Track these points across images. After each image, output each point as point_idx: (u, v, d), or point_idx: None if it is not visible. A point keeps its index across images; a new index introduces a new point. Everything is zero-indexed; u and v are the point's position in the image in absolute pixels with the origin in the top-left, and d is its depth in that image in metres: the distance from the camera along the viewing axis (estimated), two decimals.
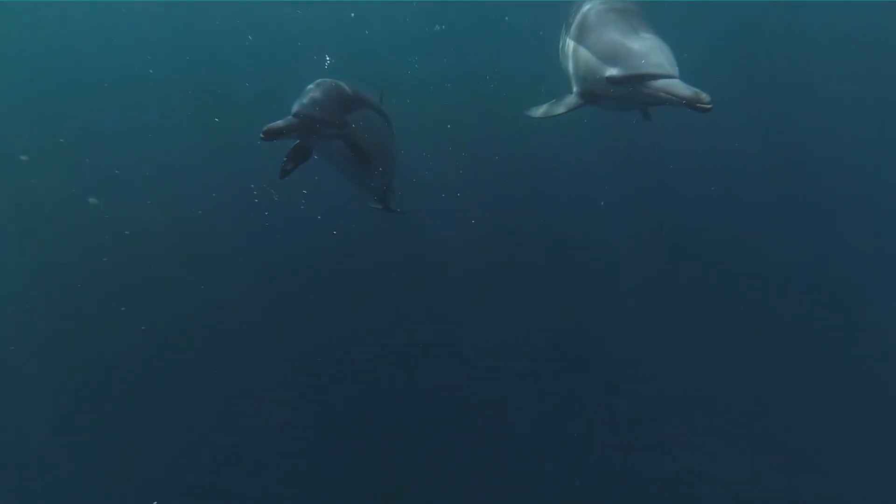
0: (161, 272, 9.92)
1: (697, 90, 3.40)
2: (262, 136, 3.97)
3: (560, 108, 4.48)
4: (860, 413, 7.86)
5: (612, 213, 10.27)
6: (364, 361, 8.86)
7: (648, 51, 3.73)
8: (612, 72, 3.88)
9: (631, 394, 8.20)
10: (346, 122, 4.61)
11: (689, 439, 7.54)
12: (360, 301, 9.58)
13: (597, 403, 8.19)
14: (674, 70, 3.61)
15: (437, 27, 13.11)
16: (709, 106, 3.32)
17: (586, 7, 4.58)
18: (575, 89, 4.53)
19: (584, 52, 4.30)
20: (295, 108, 4.28)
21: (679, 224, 10.59)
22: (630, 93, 3.88)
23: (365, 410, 8.34)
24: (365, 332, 9.09)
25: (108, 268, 10.07)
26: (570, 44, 4.57)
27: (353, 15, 13.33)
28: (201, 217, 10.61)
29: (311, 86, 4.51)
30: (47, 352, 8.98)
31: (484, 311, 9.30)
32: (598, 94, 4.28)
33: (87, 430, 8.26)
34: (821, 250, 10.03)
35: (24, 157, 10.74)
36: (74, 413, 8.46)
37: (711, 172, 11.02)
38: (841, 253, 9.92)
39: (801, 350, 8.64)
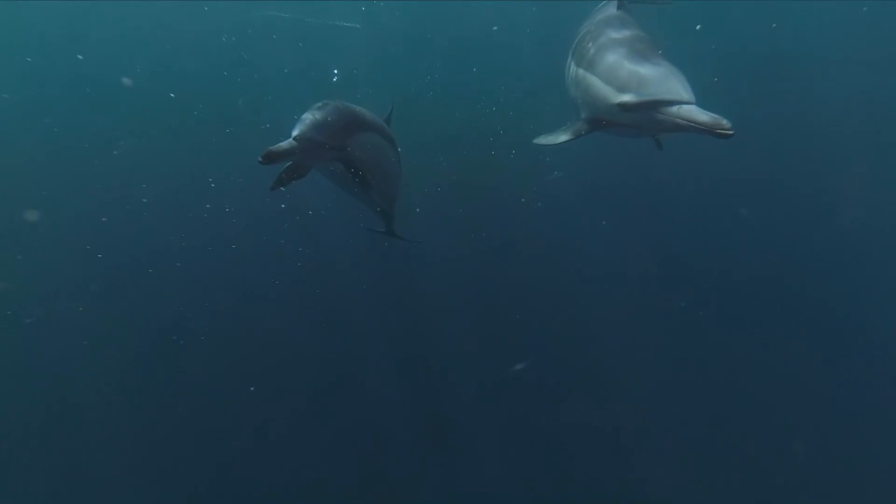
0: (165, 281, 9.87)
1: (717, 116, 3.33)
2: (260, 159, 3.84)
3: (568, 135, 4.40)
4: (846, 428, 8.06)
5: (614, 235, 10.21)
6: (367, 375, 8.85)
7: (662, 76, 3.66)
8: (623, 98, 3.81)
9: (624, 410, 8.32)
10: (347, 145, 4.50)
11: (675, 453, 7.70)
12: (362, 314, 9.52)
13: (591, 418, 8.29)
14: (690, 96, 3.52)
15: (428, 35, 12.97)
16: (730, 132, 3.23)
17: (593, 34, 4.52)
18: (583, 116, 4.44)
19: (592, 80, 4.22)
20: (296, 130, 4.15)
21: (674, 243, 10.56)
22: (643, 119, 3.78)
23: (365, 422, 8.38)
24: (370, 345, 9.11)
25: (111, 277, 9.99)
26: (578, 71, 4.49)
27: (358, 26, 13.18)
28: (203, 225, 10.52)
29: (312, 108, 4.39)
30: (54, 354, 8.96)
31: (483, 328, 9.29)
32: (608, 121, 4.19)
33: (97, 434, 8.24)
34: (825, 276, 9.97)
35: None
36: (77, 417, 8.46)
37: (706, 195, 10.98)
38: (844, 280, 9.85)
39: (801, 379, 8.64)
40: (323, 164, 4.67)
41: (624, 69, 3.91)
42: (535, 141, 4.52)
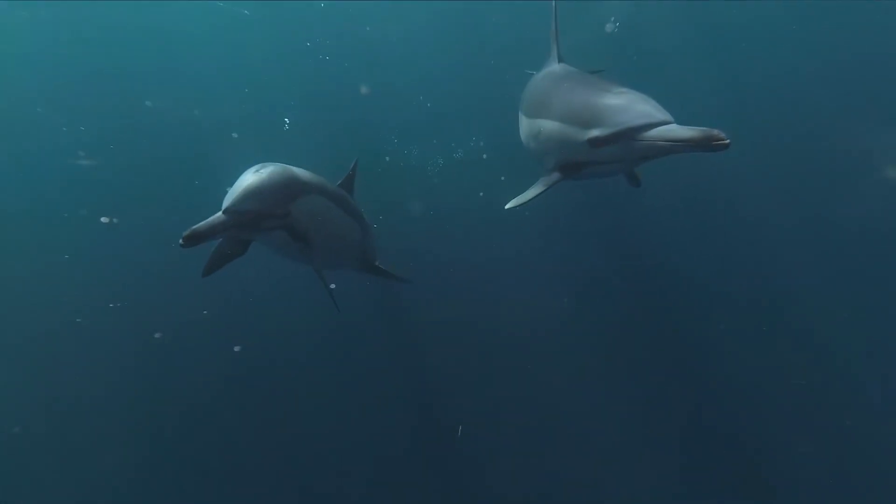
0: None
1: (705, 128, 3.01)
2: (182, 242, 3.24)
3: (539, 188, 4.03)
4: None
5: (606, 277, 10.04)
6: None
7: (629, 102, 3.42)
8: (592, 133, 3.51)
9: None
10: (290, 211, 3.94)
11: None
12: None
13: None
14: (665, 116, 3.26)
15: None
16: (726, 141, 2.92)
17: (542, 86, 4.44)
18: (551, 165, 4.09)
19: (553, 124, 3.93)
20: (226, 203, 3.57)
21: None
22: (620, 152, 3.48)
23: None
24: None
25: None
26: (535, 121, 4.25)
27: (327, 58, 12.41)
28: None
29: (245, 174, 3.82)
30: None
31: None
32: (580, 162, 3.83)
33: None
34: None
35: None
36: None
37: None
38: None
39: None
40: (262, 235, 4.08)
41: (586, 104, 3.66)
42: (508, 206, 4.11)
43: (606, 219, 10.18)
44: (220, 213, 3.52)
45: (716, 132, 2.93)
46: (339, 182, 5.56)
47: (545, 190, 3.97)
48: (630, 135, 3.29)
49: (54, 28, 11.26)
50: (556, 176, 3.95)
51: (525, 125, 4.57)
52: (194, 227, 3.31)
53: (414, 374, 9.16)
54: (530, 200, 3.98)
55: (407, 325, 9.48)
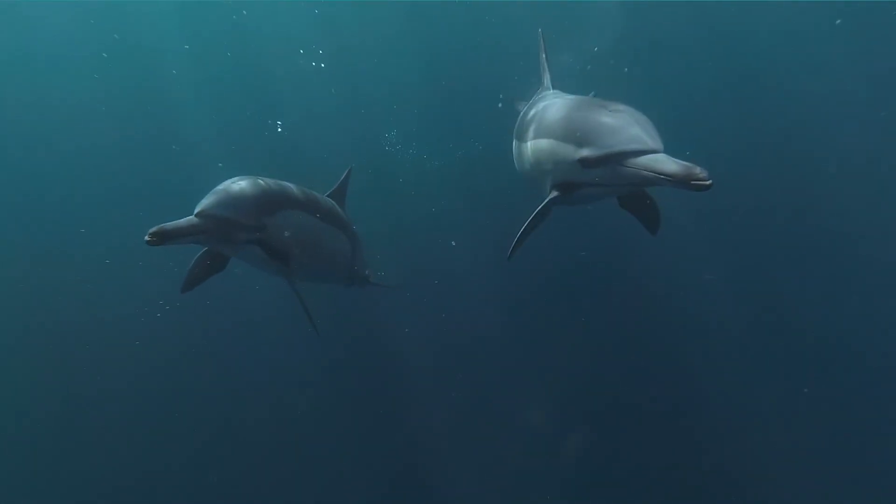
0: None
1: (689, 164, 2.83)
2: (148, 238, 3.21)
3: (533, 215, 3.89)
4: None
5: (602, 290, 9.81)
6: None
7: (621, 124, 3.24)
8: (584, 153, 3.35)
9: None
10: (265, 225, 3.91)
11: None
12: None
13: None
14: (656, 143, 3.09)
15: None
16: (707, 182, 2.74)
17: (537, 109, 4.31)
18: (547, 188, 3.96)
19: (548, 143, 3.79)
20: (199, 206, 3.56)
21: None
22: (610, 175, 3.33)
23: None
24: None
25: None
26: (530, 143, 4.11)
27: (322, 64, 12.28)
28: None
29: (224, 183, 3.86)
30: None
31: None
32: (574, 183, 3.69)
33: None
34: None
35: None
36: None
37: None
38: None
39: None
40: (235, 249, 4.03)
41: (582, 122, 3.51)
42: (513, 252, 3.98)
43: (597, 229, 10.02)
44: (191, 217, 3.52)
45: (697, 171, 2.73)
46: (331, 191, 5.47)
47: (542, 209, 3.84)
48: (618, 159, 3.17)
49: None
50: (552, 195, 3.81)
51: (520, 149, 4.46)
52: (163, 224, 3.31)
53: (395, 384, 9.10)
54: (530, 227, 3.87)
55: (390, 336, 9.32)
